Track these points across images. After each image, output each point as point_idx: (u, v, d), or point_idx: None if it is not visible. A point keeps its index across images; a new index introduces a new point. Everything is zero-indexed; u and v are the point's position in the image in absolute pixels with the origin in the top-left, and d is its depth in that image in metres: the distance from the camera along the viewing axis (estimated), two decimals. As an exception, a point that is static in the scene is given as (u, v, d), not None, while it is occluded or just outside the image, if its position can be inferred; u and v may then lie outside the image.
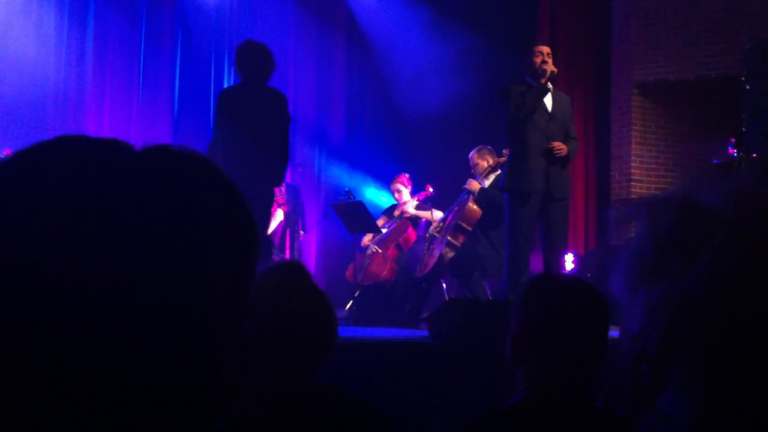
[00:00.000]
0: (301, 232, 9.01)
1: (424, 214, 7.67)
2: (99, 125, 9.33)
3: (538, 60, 5.80)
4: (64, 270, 0.61)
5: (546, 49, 5.88)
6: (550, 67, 5.74)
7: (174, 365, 0.64)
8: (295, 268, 1.82)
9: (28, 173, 0.65)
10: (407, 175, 8.11)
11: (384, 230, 7.73)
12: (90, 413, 0.62)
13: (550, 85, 5.80)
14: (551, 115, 5.82)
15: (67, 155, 0.66)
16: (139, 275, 0.62)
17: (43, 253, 0.62)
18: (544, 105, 5.81)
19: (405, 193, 7.97)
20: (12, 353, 0.62)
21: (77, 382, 0.62)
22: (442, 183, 8.34)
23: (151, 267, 0.63)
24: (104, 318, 0.62)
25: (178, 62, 9.84)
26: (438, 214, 7.48)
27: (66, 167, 0.65)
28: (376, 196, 9.77)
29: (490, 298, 6.71)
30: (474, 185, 6.87)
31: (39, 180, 0.64)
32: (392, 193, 8.13)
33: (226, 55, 9.81)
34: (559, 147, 5.70)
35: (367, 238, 7.82)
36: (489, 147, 7.18)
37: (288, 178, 9.57)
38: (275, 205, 8.43)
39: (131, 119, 9.54)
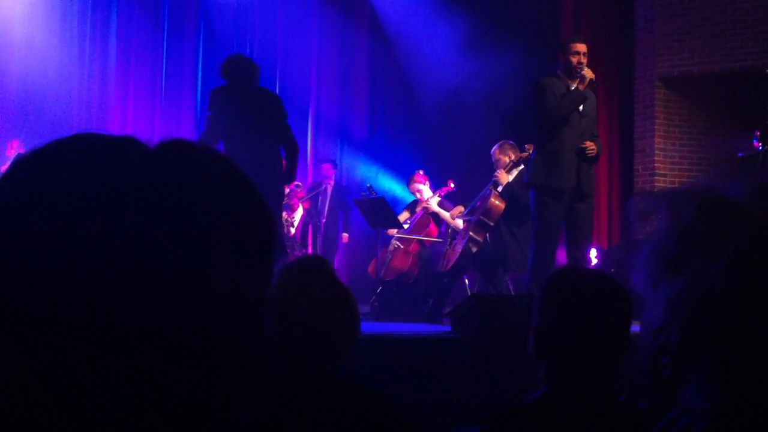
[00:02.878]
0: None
1: (444, 215, 7.64)
2: (123, 122, 9.40)
3: (575, 60, 5.70)
4: (64, 269, 0.61)
5: (583, 48, 5.73)
6: (589, 74, 5.66)
7: (173, 365, 0.63)
8: (319, 262, 1.83)
9: (36, 172, 0.66)
10: (421, 172, 8.09)
11: (406, 225, 7.73)
12: (90, 413, 0.62)
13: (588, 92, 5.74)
14: (582, 113, 5.77)
15: (76, 155, 0.66)
16: (140, 274, 0.62)
17: (44, 252, 0.62)
18: None
19: (426, 190, 7.94)
20: (12, 353, 0.62)
21: (77, 382, 0.62)
22: (464, 178, 8.31)
23: (152, 266, 0.62)
24: (104, 316, 0.61)
25: (200, 59, 9.89)
26: (458, 219, 7.45)
27: (74, 167, 0.65)
28: (398, 191, 9.77)
29: (513, 293, 6.69)
30: (503, 177, 6.84)
31: (46, 179, 0.65)
32: (413, 194, 8.11)
33: (248, 51, 9.84)
34: (591, 147, 5.67)
35: (393, 230, 7.79)
36: (511, 142, 7.14)
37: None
38: (296, 201, 8.47)
39: (155, 116, 9.61)
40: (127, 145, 0.68)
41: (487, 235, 6.82)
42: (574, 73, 5.68)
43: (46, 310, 0.61)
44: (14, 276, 0.62)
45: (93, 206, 0.63)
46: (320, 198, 9.03)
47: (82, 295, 0.61)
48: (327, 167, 9.26)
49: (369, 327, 5.25)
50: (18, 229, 0.63)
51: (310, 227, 9.00)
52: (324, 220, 9.01)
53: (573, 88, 5.67)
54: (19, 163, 0.67)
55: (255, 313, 0.69)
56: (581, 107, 5.75)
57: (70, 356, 0.61)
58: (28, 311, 0.62)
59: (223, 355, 0.66)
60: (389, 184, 10.01)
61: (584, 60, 5.73)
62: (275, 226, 0.73)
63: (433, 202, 7.76)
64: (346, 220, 9.13)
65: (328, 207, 9.05)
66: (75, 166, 0.65)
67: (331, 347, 1.75)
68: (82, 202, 0.63)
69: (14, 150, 8.25)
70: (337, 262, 9.59)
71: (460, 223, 7.36)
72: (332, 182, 9.19)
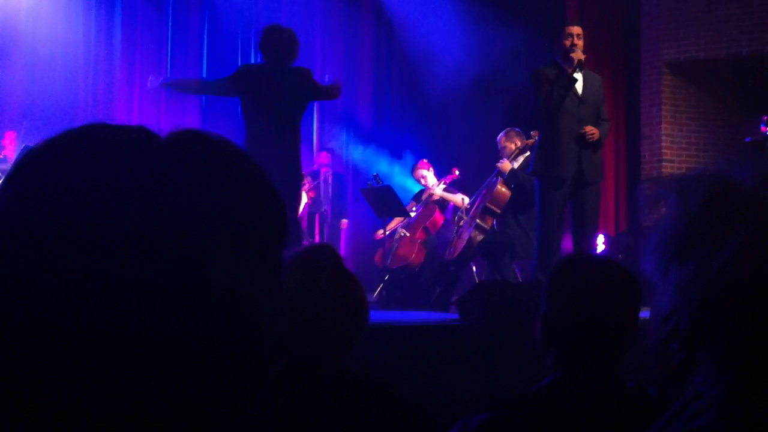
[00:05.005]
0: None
1: (453, 198, 7.66)
2: (128, 112, 9.41)
3: (567, 43, 5.66)
4: (65, 268, 0.61)
5: (576, 30, 5.70)
6: (577, 56, 5.59)
7: (174, 364, 0.63)
8: (326, 251, 1.82)
9: (41, 169, 0.65)
10: (425, 160, 8.11)
11: (412, 214, 7.74)
12: (91, 413, 0.62)
13: (577, 75, 5.69)
14: (582, 99, 5.71)
15: (81, 151, 0.66)
16: (140, 273, 0.62)
17: (46, 251, 0.61)
18: (575, 89, 5.71)
19: (430, 177, 7.96)
20: (12, 353, 0.62)
21: (78, 381, 0.62)
22: (470, 165, 8.31)
23: (153, 265, 0.62)
24: (104, 316, 0.61)
25: (205, 48, 9.88)
26: (465, 200, 7.46)
27: (79, 164, 0.65)
28: (404, 179, 9.77)
29: (520, 280, 6.69)
30: (506, 166, 6.84)
31: (50, 176, 0.64)
32: (417, 181, 8.13)
33: (253, 40, 9.82)
34: (591, 132, 5.61)
35: (393, 222, 7.81)
36: (517, 129, 7.14)
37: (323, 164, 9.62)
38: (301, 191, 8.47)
39: (160, 105, 9.60)
40: (135, 139, 0.67)
41: (494, 222, 6.82)
42: (567, 56, 5.64)
43: (46, 309, 0.61)
44: (15, 274, 0.62)
45: (95, 205, 0.62)
46: (322, 187, 9.07)
47: (82, 294, 0.61)
48: (324, 155, 9.33)
49: (376, 316, 5.25)
50: (21, 227, 0.63)
51: (317, 216, 9.01)
52: (329, 208, 9.04)
53: (569, 72, 5.64)
54: (26, 157, 0.67)
55: (258, 311, 0.69)
56: (580, 92, 5.71)
57: (71, 355, 0.61)
58: (28, 310, 0.61)
59: (225, 355, 0.65)
60: (395, 172, 10.00)
61: (578, 42, 5.66)
62: (286, 223, 0.71)
63: (438, 189, 7.77)
64: (343, 208, 9.21)
65: (331, 195, 9.09)
66: (80, 163, 0.65)
67: (334, 343, 1.74)
68: (85, 200, 0.63)
69: (10, 141, 8.13)
70: (344, 251, 9.60)
71: (467, 199, 7.35)
72: (330, 170, 9.23)
